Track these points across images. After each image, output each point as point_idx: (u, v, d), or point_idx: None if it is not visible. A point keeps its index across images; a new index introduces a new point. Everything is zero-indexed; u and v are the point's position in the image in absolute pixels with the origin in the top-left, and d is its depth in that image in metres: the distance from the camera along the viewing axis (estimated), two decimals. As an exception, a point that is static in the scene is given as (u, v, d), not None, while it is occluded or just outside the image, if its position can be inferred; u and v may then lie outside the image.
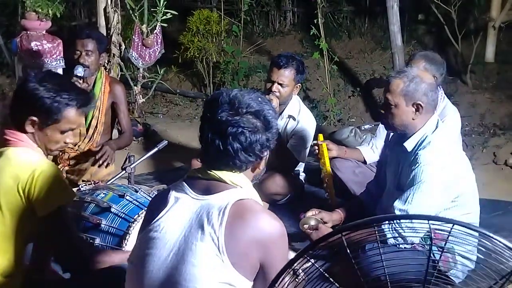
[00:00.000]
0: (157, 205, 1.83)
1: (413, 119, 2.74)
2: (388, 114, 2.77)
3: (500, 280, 1.44)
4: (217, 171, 1.77)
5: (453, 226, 1.40)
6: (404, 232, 2.36)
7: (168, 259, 1.72)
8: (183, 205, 1.77)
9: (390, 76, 2.85)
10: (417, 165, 2.63)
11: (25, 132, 2.15)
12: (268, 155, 1.85)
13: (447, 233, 1.47)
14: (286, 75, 3.61)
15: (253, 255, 1.69)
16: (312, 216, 2.94)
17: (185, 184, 1.81)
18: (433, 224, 1.47)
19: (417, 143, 2.73)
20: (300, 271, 1.54)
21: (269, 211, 1.80)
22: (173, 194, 1.81)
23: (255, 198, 1.79)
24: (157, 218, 1.78)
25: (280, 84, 3.61)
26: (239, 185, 1.77)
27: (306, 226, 2.87)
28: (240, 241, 1.67)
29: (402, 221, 1.94)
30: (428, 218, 1.47)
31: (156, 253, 1.74)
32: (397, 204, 2.63)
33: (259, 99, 1.80)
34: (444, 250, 1.56)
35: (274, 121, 1.81)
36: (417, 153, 2.68)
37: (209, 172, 1.78)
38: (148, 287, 1.74)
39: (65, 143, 2.24)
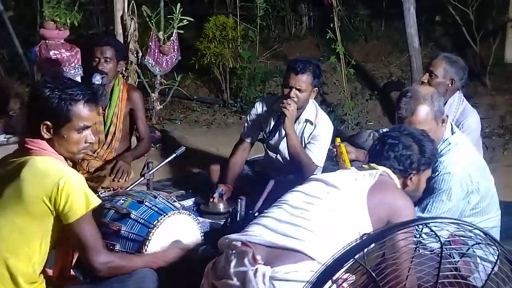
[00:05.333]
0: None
1: (440, 131, 2.70)
2: None
3: None
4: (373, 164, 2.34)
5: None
6: (423, 238, 2.35)
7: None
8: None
9: (407, 105, 2.66)
10: (436, 173, 2.60)
11: (41, 139, 2.16)
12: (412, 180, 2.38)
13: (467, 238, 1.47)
14: (304, 80, 3.61)
15: (384, 213, 2.14)
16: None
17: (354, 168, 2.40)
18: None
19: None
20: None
21: (401, 190, 2.31)
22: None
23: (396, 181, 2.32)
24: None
25: (298, 90, 3.60)
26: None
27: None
28: (378, 198, 2.17)
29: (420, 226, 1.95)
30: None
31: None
32: (416, 211, 2.60)
33: (423, 134, 2.40)
34: (463, 255, 1.56)
35: (429, 150, 2.35)
36: (437, 160, 2.65)
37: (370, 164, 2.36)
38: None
39: (86, 143, 2.22)
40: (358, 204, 2.15)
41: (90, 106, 2.20)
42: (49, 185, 2.05)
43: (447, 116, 2.71)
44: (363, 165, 2.39)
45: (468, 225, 1.60)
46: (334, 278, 1.50)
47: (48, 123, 2.14)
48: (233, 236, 2.20)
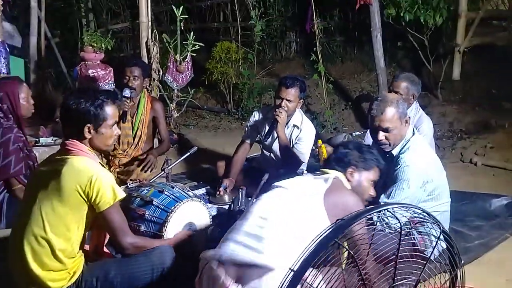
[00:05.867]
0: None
1: (405, 131, 2.70)
2: (391, 137, 2.66)
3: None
4: (327, 169, 2.27)
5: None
6: (388, 219, 2.35)
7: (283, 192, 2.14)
8: (297, 180, 2.26)
9: (377, 107, 2.65)
10: (398, 166, 2.60)
11: (82, 139, 2.16)
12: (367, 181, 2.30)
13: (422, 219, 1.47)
14: (292, 93, 3.60)
15: (337, 212, 1.90)
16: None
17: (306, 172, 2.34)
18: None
19: (400, 149, 2.70)
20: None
21: (352, 191, 2.21)
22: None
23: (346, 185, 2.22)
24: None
25: (288, 101, 3.60)
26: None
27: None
28: (332, 200, 2.05)
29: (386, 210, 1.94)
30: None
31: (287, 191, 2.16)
32: (382, 198, 2.60)
33: (366, 145, 2.43)
34: (422, 233, 1.56)
35: (366, 154, 2.30)
36: (399, 156, 2.65)
37: (322, 169, 2.30)
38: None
39: (115, 135, 2.26)
40: (317, 207, 2.03)
41: (114, 104, 2.24)
42: (83, 180, 2.05)
43: (410, 117, 2.70)
44: (316, 172, 2.32)
45: (417, 209, 1.61)
46: (314, 263, 1.42)
47: (90, 125, 2.16)
48: (210, 252, 2.03)
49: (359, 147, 2.33)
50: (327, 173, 2.23)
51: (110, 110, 2.20)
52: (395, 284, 1.57)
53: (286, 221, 1.99)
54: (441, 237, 1.63)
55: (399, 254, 1.56)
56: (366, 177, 2.29)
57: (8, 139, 3.12)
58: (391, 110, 2.63)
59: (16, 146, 3.13)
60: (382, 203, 2.57)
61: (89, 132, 2.17)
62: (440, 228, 1.61)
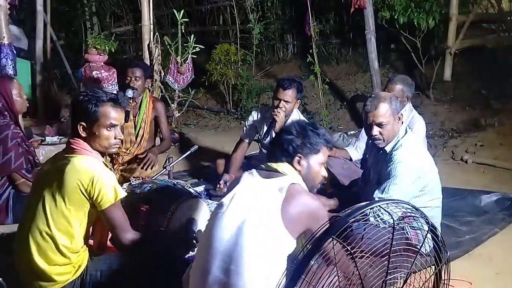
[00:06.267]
0: (232, 185, 1.97)
1: (398, 127, 2.71)
2: (383, 131, 2.67)
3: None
4: (275, 164, 1.95)
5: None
6: (382, 215, 2.34)
7: (239, 215, 1.82)
8: (250, 183, 1.91)
9: (371, 103, 2.67)
10: (391, 163, 2.61)
11: (80, 137, 2.14)
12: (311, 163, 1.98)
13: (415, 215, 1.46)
14: (289, 94, 3.60)
15: (300, 223, 1.80)
16: None
17: (255, 171, 1.96)
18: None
19: (393, 146, 2.70)
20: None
21: (311, 193, 1.93)
22: (245, 176, 1.95)
23: (302, 185, 1.92)
24: (232, 191, 1.91)
25: (285, 101, 3.60)
26: (287, 173, 1.91)
27: None
28: (292, 213, 1.78)
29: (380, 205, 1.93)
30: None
31: (230, 210, 1.85)
32: (377, 193, 2.60)
33: (310, 124, 2.04)
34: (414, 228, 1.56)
35: (312, 136, 1.97)
36: (392, 153, 2.65)
37: (272, 164, 1.95)
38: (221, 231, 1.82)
39: (116, 139, 2.18)
40: (276, 227, 1.76)
41: (114, 107, 2.17)
42: (85, 179, 2.04)
43: (402, 114, 2.71)
44: (263, 167, 1.98)
45: (407, 204, 1.60)
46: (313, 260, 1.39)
47: (83, 123, 2.13)
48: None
49: (303, 130, 1.99)
50: (275, 169, 1.93)
51: (105, 111, 2.13)
52: (388, 277, 1.56)
53: (251, 267, 1.73)
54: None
55: (392, 249, 1.56)
56: (315, 161, 1.99)
57: (6, 136, 3.12)
58: (385, 105, 2.65)
59: (14, 142, 3.14)
60: (376, 199, 2.58)
61: (83, 130, 2.13)
62: (428, 223, 1.61)
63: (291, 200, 1.80)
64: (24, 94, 3.34)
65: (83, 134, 2.14)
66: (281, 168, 1.92)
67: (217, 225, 1.84)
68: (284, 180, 1.87)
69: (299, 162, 1.95)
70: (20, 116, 3.47)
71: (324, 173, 2.04)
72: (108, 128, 2.16)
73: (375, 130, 2.67)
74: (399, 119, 2.69)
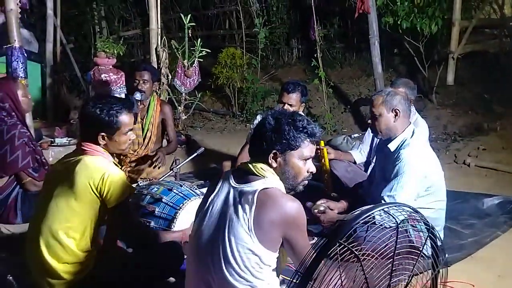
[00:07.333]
0: (211, 190, 1.84)
1: (394, 123, 2.73)
2: (376, 123, 2.76)
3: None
4: (251, 164, 1.77)
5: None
6: (389, 216, 2.34)
7: (213, 229, 1.72)
8: (225, 190, 1.77)
9: (372, 95, 2.88)
10: (399, 161, 2.62)
11: (98, 144, 2.17)
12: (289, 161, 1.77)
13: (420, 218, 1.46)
14: (294, 97, 3.60)
15: (276, 232, 1.64)
16: (321, 204, 2.87)
17: (231, 174, 1.80)
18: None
19: (399, 145, 2.71)
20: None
21: (288, 195, 1.72)
22: (221, 182, 1.81)
23: (278, 186, 1.73)
24: (210, 199, 1.79)
25: (290, 105, 3.60)
26: (264, 175, 1.74)
27: (316, 210, 2.82)
28: (265, 222, 1.63)
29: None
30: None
31: (207, 223, 1.75)
32: (385, 192, 2.61)
33: (290, 116, 1.79)
34: (418, 230, 1.56)
35: (287, 131, 1.74)
36: (399, 152, 2.66)
37: (248, 164, 1.79)
38: (200, 248, 1.74)
39: (130, 140, 2.25)
40: (252, 246, 1.64)
41: (129, 113, 2.23)
42: (96, 177, 2.06)
43: (399, 111, 2.71)
44: (240, 166, 1.87)
45: (407, 207, 1.60)
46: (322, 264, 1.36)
47: (103, 133, 2.16)
48: None
49: (277, 123, 1.75)
50: (252, 171, 1.77)
51: (124, 119, 2.19)
52: (393, 281, 1.56)
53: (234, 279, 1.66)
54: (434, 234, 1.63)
55: (396, 251, 1.56)
56: (296, 156, 1.76)
57: (13, 135, 3.14)
58: (379, 97, 2.75)
59: (21, 141, 3.16)
60: (385, 197, 2.58)
61: (103, 139, 2.18)
62: (428, 225, 1.61)
63: (261, 210, 1.63)
64: (29, 94, 3.36)
65: (102, 143, 2.18)
66: (257, 169, 1.74)
67: (196, 236, 1.78)
68: (254, 186, 1.69)
69: (274, 159, 1.75)
70: (28, 117, 3.49)
71: (312, 168, 1.80)
72: (126, 133, 2.23)
73: (372, 121, 2.79)
74: (396, 115, 2.70)
